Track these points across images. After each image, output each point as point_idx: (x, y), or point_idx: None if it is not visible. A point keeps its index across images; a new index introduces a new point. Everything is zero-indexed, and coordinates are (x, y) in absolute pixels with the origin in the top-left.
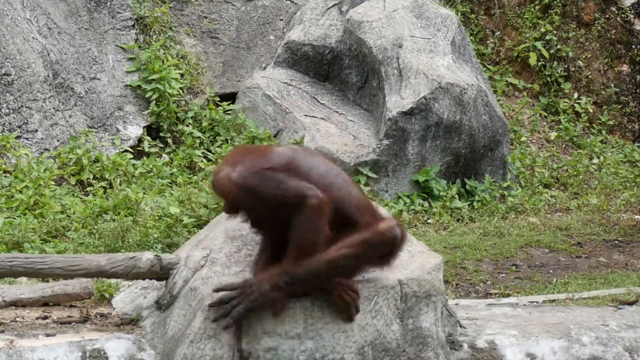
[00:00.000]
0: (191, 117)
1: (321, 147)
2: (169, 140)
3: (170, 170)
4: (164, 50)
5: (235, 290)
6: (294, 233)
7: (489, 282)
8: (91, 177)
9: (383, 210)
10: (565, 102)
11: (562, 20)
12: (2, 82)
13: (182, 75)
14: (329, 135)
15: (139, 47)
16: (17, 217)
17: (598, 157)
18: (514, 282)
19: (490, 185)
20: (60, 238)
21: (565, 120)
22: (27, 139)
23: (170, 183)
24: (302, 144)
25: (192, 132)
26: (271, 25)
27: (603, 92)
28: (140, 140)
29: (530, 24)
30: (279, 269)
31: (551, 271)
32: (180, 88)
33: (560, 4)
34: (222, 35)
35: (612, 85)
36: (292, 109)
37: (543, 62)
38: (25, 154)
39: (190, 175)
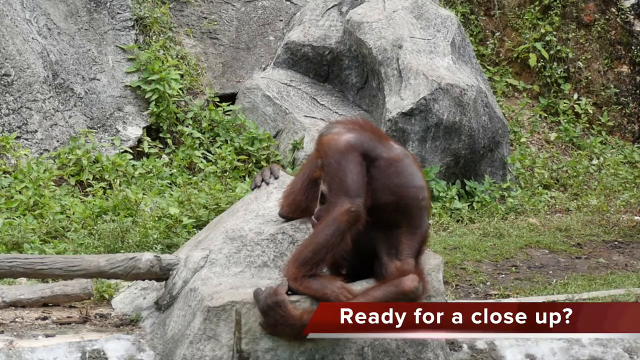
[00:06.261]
0: (191, 118)
1: None
2: (169, 141)
3: (170, 170)
4: (163, 50)
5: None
6: (316, 232)
7: (488, 283)
8: (91, 177)
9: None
10: (565, 103)
11: (562, 21)
12: (2, 82)
13: (181, 75)
14: None
15: (139, 47)
16: (17, 217)
17: (598, 158)
18: (513, 283)
19: (490, 186)
20: (60, 239)
21: (565, 121)
22: (26, 139)
23: (170, 184)
24: (302, 145)
25: (191, 133)
26: (271, 26)
27: (603, 93)
28: (140, 141)
29: (530, 25)
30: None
31: (551, 272)
32: (180, 89)
33: (560, 5)
34: (221, 36)
35: (612, 86)
36: (292, 110)
37: (543, 63)
38: (25, 154)
39: (190, 176)
